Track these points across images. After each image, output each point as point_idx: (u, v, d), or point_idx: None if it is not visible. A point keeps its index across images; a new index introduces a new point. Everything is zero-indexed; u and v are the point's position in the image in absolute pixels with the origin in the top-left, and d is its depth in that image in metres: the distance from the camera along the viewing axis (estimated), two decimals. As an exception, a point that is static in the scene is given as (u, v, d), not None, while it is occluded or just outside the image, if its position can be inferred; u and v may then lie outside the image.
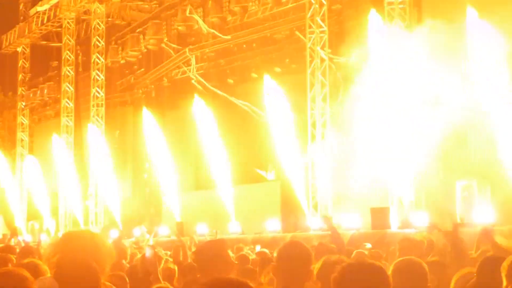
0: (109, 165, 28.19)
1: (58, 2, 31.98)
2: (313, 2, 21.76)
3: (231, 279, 2.58)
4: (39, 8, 33.66)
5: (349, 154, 18.63)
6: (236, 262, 6.80)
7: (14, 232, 28.36)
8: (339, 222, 17.94)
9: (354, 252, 9.21)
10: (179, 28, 28.71)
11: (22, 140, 36.45)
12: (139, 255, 9.11)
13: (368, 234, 17.01)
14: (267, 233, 20.58)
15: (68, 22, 31.88)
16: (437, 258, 7.45)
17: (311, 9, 21.80)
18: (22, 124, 36.67)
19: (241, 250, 11.65)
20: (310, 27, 21.82)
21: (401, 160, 18.08)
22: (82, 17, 31.84)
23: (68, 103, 31.98)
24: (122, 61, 31.97)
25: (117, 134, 32.02)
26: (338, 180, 19.82)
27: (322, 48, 21.68)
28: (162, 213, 28.13)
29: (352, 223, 18.43)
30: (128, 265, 8.50)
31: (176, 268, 7.91)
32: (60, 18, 32.11)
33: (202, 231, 21.93)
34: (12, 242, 20.95)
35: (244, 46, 27.22)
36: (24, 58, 36.30)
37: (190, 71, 28.29)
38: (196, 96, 25.16)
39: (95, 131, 29.37)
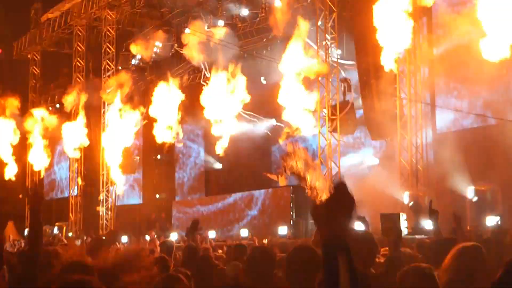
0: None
1: (69, 9, 32.09)
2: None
3: None
4: (50, 15, 33.78)
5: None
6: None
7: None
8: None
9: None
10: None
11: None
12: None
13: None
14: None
15: (79, 29, 31.98)
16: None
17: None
18: (33, 130, 36.74)
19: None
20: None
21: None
22: (93, 24, 31.93)
23: (78, 109, 32.03)
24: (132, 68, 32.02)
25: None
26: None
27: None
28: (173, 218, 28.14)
29: (361, 228, 18.25)
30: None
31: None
32: (71, 25, 32.21)
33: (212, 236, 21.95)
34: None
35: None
36: (35, 65, 36.43)
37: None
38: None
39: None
